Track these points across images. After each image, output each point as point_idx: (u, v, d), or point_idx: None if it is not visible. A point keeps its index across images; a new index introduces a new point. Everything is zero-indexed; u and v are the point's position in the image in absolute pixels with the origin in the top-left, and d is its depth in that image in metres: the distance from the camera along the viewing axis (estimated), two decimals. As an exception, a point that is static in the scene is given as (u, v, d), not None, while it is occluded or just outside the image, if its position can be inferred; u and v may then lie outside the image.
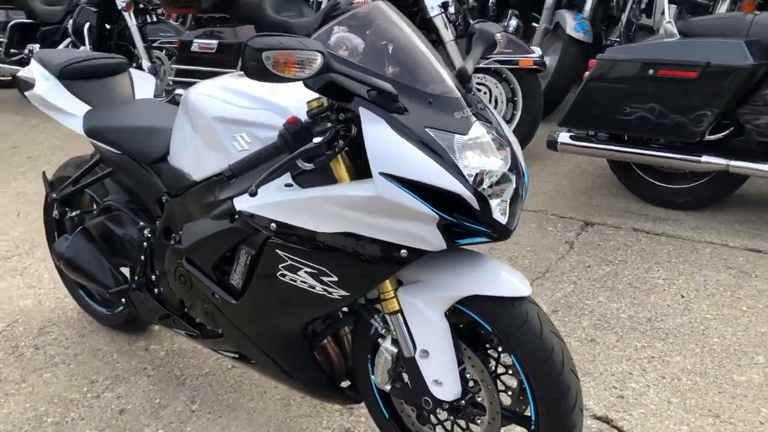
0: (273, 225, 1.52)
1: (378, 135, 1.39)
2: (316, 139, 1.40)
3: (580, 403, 1.52)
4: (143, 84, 2.48)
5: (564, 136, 3.70)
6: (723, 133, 3.27)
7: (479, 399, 1.60)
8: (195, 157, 1.78)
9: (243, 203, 1.57)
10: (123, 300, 2.24)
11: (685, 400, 2.15)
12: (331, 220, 1.44)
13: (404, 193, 1.35)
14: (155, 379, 2.38)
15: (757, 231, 3.36)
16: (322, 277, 1.53)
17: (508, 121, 4.37)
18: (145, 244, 2.11)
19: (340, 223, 1.43)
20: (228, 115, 1.63)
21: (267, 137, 1.53)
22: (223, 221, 1.67)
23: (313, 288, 1.56)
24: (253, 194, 1.36)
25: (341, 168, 1.47)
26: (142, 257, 2.12)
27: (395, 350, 1.62)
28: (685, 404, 2.14)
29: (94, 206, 2.41)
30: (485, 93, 4.39)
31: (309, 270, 1.53)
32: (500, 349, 1.60)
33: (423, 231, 1.39)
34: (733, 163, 3.23)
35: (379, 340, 1.66)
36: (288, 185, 1.50)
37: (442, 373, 1.55)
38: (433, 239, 1.39)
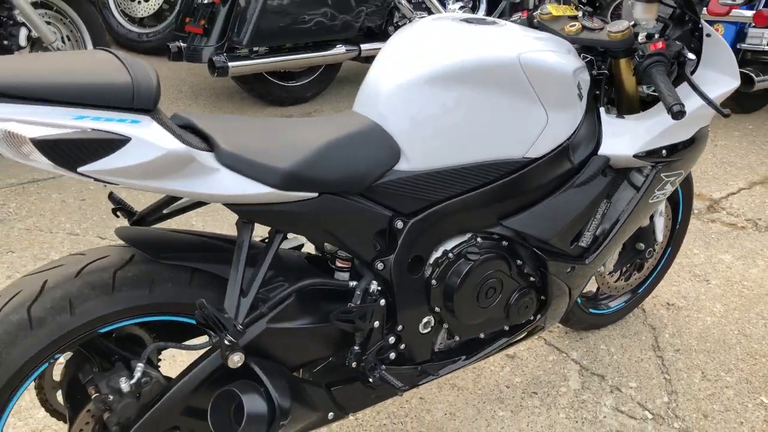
0: (664, 152, 1.72)
1: None
2: (692, 56, 1.65)
3: None
4: None
5: (231, 59, 3.78)
6: None
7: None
8: (527, 133, 1.54)
9: (623, 147, 1.67)
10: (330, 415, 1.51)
11: None
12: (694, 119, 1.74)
13: None
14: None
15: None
16: (673, 177, 1.81)
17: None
18: (382, 301, 1.46)
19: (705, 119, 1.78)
20: (575, 65, 1.59)
21: (587, 78, 1.64)
22: (598, 180, 1.67)
23: (659, 196, 1.81)
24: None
25: None
26: (377, 323, 1.47)
27: None
28: None
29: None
30: (55, 32, 3.52)
31: (672, 173, 1.78)
32: None
33: None
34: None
35: None
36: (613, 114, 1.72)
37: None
38: None
